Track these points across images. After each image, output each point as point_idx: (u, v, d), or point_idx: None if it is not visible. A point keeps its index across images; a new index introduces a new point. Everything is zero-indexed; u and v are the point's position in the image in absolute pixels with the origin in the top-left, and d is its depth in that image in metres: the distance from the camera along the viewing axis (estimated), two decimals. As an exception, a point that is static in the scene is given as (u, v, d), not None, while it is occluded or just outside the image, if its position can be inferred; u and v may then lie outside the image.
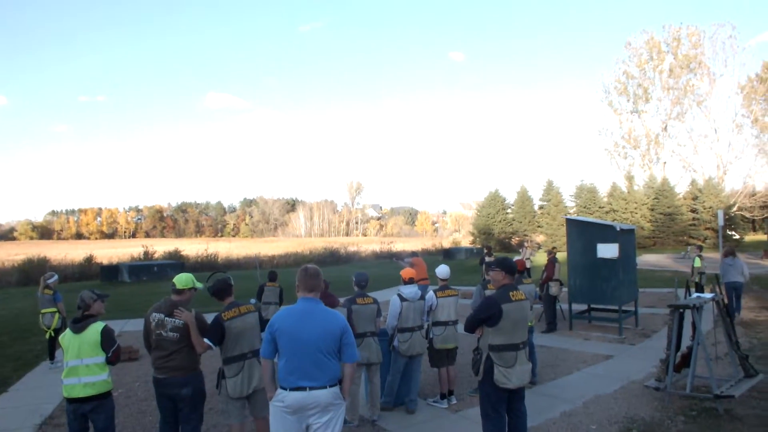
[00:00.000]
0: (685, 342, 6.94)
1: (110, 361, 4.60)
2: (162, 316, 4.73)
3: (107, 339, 4.59)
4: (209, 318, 4.95)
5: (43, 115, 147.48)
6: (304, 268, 3.88)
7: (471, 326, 4.71)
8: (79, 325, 4.60)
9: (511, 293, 4.60)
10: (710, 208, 42.21)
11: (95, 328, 4.60)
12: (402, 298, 6.53)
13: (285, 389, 3.62)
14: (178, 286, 4.84)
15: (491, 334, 4.56)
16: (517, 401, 4.75)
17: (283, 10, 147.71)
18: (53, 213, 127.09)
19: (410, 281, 6.69)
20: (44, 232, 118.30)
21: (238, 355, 4.87)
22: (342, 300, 6.58)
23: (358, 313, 6.23)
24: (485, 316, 4.56)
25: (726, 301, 7.67)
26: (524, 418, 4.83)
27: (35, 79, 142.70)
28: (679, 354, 6.79)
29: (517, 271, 4.88)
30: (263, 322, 4.88)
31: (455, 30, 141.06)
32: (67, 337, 4.62)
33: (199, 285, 5.02)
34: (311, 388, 3.59)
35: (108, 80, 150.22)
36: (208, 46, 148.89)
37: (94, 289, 5.05)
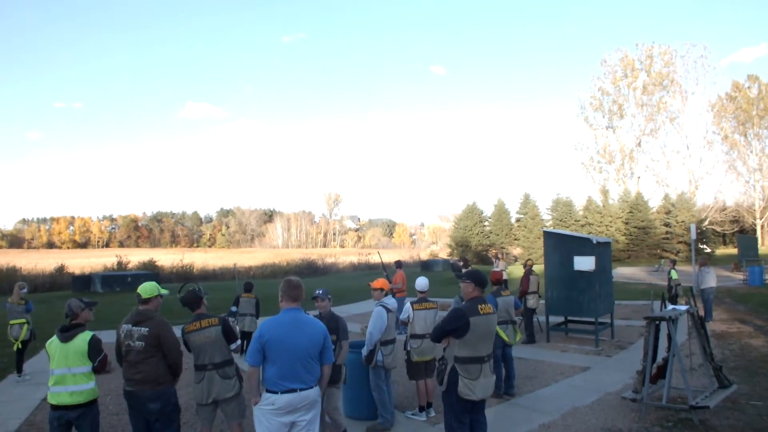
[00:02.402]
0: (661, 353, 7.02)
1: (96, 370, 4.60)
2: (130, 326, 4.68)
3: (94, 348, 4.58)
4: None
5: (17, 121, 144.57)
6: (287, 280, 4.20)
7: (437, 336, 4.74)
8: (67, 334, 4.56)
9: (480, 306, 4.58)
10: (683, 222, 42.98)
11: (83, 338, 4.57)
12: (387, 309, 6.44)
13: (275, 392, 3.91)
14: (144, 295, 4.80)
15: (457, 346, 4.55)
16: (477, 412, 4.76)
17: (268, 19, 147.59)
18: (24, 221, 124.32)
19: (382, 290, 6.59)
20: (14, 240, 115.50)
21: (200, 365, 5.03)
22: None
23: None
24: (452, 327, 4.55)
25: (702, 312, 7.81)
26: (485, 428, 4.84)
27: (10, 84, 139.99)
28: (655, 365, 6.86)
29: (486, 284, 4.85)
30: (238, 334, 4.86)
31: (437, 44, 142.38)
32: (53, 345, 4.57)
33: (164, 291, 5.01)
34: (301, 389, 3.94)
35: (86, 87, 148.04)
36: (189, 55, 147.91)
37: (82, 297, 4.99)
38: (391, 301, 6.56)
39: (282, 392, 3.90)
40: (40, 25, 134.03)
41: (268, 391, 3.94)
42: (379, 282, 6.65)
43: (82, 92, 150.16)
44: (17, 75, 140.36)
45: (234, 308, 11.15)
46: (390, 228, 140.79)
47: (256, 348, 3.95)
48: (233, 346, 5.19)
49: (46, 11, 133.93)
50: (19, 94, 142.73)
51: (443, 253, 57.75)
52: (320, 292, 5.82)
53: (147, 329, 4.61)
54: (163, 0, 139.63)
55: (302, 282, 4.25)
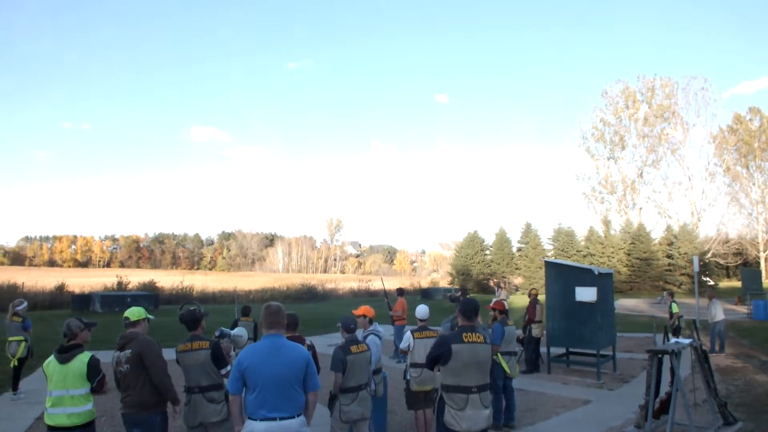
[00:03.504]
0: (664, 388, 6.92)
1: (95, 390, 4.58)
2: (118, 353, 4.70)
3: (93, 369, 4.55)
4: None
5: (26, 140, 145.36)
6: (266, 306, 4.09)
7: (428, 364, 4.76)
8: (66, 355, 4.53)
9: (464, 334, 4.53)
10: (685, 254, 42.84)
11: (82, 359, 4.55)
12: (380, 338, 6.35)
13: (254, 420, 3.78)
14: (132, 318, 4.85)
15: (442, 374, 4.55)
16: None
17: (275, 46, 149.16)
18: (26, 239, 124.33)
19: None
20: (16, 257, 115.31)
21: (188, 387, 5.04)
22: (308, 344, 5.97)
23: (353, 363, 5.44)
24: (436, 354, 4.57)
25: (707, 346, 7.74)
26: None
27: (21, 104, 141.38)
28: (657, 400, 6.76)
29: (475, 314, 4.80)
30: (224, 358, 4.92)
31: (441, 73, 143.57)
32: (51, 366, 4.54)
33: (150, 317, 5.08)
34: (281, 419, 3.79)
35: (95, 108, 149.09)
36: (197, 79, 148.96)
37: (82, 317, 4.97)
38: (381, 329, 6.44)
39: (260, 420, 3.78)
40: (50, 47, 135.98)
41: (249, 418, 3.84)
42: (362, 309, 6.54)
43: (91, 113, 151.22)
44: (27, 95, 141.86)
45: (222, 330, 11.05)
46: (391, 255, 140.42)
47: (236, 376, 3.87)
48: (223, 371, 5.13)
49: (56, 33, 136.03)
50: (28, 114, 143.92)
51: (444, 281, 57.49)
52: None
53: (130, 350, 4.62)
54: (173, 25, 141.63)
55: (282, 307, 4.13)
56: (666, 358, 6.83)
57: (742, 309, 24.87)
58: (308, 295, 42.90)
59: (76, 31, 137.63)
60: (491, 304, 8.43)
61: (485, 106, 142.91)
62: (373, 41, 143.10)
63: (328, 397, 5.53)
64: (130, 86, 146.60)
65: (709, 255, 45.88)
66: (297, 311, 5.77)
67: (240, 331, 6.00)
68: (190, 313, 5.25)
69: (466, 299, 4.96)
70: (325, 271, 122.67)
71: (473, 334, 4.57)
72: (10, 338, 9.55)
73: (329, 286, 50.56)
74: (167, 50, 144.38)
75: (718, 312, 14.33)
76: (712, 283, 42.76)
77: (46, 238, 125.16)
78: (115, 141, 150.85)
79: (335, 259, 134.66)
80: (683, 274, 43.38)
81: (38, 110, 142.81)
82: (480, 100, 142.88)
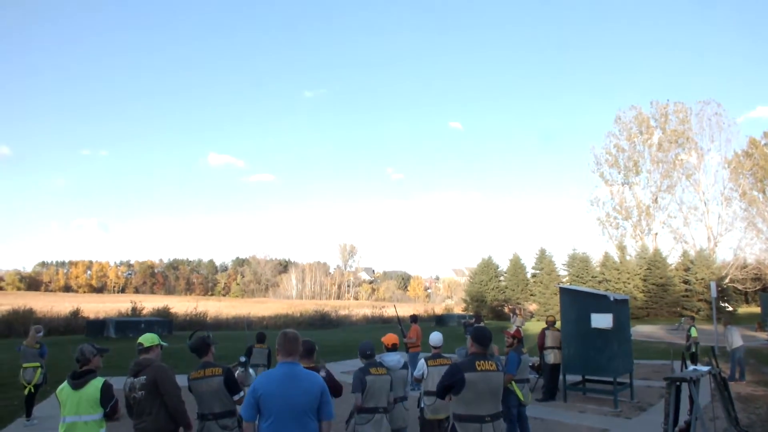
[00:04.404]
0: (683, 416, 6.78)
1: (108, 416, 4.58)
2: (132, 379, 4.72)
3: (107, 394, 4.56)
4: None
5: (44, 166, 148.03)
6: (283, 333, 4.06)
7: (439, 393, 4.69)
8: (79, 381, 4.55)
9: (477, 363, 4.50)
10: (702, 279, 42.28)
11: (95, 385, 4.56)
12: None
13: None
14: (146, 344, 4.91)
15: (455, 403, 4.49)
16: None
17: (291, 75, 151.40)
18: (43, 264, 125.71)
19: (393, 348, 6.48)
20: (32, 283, 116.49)
21: (201, 414, 5.03)
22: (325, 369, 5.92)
23: (372, 384, 5.59)
24: (449, 383, 4.51)
25: (727, 373, 7.60)
26: None
27: (41, 130, 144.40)
28: (677, 429, 6.63)
29: (488, 342, 4.76)
30: (250, 383, 4.86)
31: (455, 100, 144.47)
32: (64, 392, 4.56)
33: (164, 343, 5.13)
34: None
35: (112, 135, 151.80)
36: (213, 106, 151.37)
37: (94, 343, 5.03)
38: (388, 358, 6.27)
39: None
40: (68, 74, 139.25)
41: None
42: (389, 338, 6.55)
43: (109, 140, 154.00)
44: (47, 123, 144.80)
45: (243, 358, 11.07)
46: (405, 281, 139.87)
47: (251, 403, 3.83)
48: (236, 397, 5.15)
49: (73, 59, 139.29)
50: (48, 140, 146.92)
51: (458, 308, 57.11)
52: None
53: (145, 377, 4.66)
54: (191, 54, 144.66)
55: (299, 335, 4.11)
56: (684, 386, 6.71)
57: (762, 335, 24.43)
58: (322, 321, 42.79)
59: (94, 58, 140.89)
60: (509, 331, 8.39)
61: (498, 133, 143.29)
62: (386, 70, 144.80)
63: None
64: (147, 113, 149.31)
65: (726, 280, 45.19)
66: (310, 338, 5.76)
67: (251, 371, 6.04)
68: (199, 339, 5.29)
69: (477, 327, 4.93)
70: (338, 298, 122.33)
71: (485, 362, 4.54)
72: (25, 364, 9.60)
73: (343, 312, 50.44)
74: (184, 79, 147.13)
75: (736, 338, 14.07)
76: (730, 309, 42.07)
77: (62, 264, 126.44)
78: (132, 168, 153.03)
79: (349, 285, 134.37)
80: (701, 300, 42.77)
81: (58, 137, 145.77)
82: (493, 127, 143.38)
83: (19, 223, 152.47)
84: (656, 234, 55.12)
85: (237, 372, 5.58)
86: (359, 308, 59.67)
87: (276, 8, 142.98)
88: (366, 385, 5.53)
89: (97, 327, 28.72)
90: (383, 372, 5.73)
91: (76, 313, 33.19)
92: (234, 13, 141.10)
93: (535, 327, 28.81)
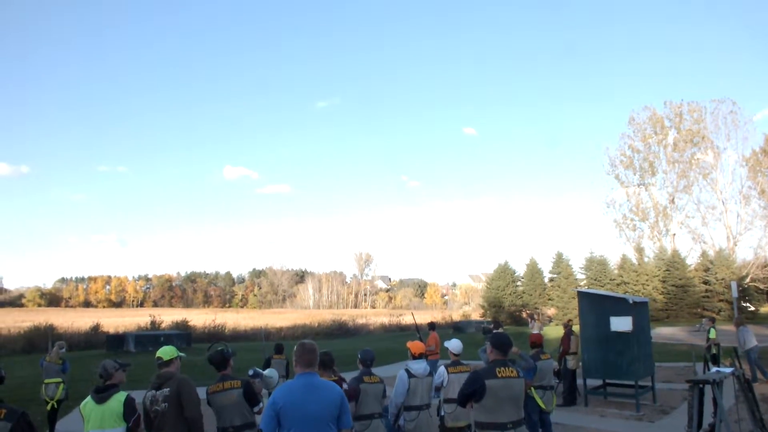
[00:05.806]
0: (707, 419, 6.68)
1: (130, 430, 4.62)
2: (153, 392, 4.76)
3: (129, 408, 4.62)
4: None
5: (62, 183, 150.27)
6: (301, 344, 4.10)
7: (460, 401, 4.67)
8: (102, 395, 4.62)
9: (498, 369, 4.48)
10: (723, 279, 41.66)
11: (118, 399, 4.63)
12: (410, 374, 6.13)
13: None
14: (165, 357, 4.94)
15: (476, 410, 4.47)
16: None
17: (304, 85, 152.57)
18: (63, 280, 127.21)
19: (420, 356, 6.38)
20: (53, 299, 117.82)
21: (221, 427, 5.07)
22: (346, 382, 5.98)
23: (365, 392, 5.74)
24: (470, 391, 4.49)
25: (749, 374, 7.48)
26: None
27: (59, 147, 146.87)
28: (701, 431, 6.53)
29: (508, 348, 4.70)
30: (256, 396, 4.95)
31: (468, 105, 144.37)
32: (88, 406, 4.63)
33: (182, 354, 5.16)
34: None
35: (129, 151, 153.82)
36: (227, 119, 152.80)
37: (116, 358, 5.11)
38: (415, 365, 6.23)
39: None
40: (85, 91, 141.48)
41: None
42: (416, 346, 6.44)
43: (126, 156, 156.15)
44: (65, 141, 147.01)
45: (255, 370, 11.09)
46: (421, 288, 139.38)
47: (270, 415, 3.84)
48: (256, 409, 5.18)
49: (90, 75, 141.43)
50: (66, 156, 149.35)
51: (476, 314, 56.78)
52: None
53: (168, 389, 4.70)
54: (205, 69, 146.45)
55: (317, 345, 4.14)
56: (708, 388, 6.62)
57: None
58: (339, 330, 42.75)
59: (110, 76, 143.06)
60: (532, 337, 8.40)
61: (512, 137, 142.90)
62: (399, 78, 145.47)
63: None
64: (162, 129, 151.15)
65: (747, 280, 44.47)
66: (328, 348, 5.78)
67: (271, 373, 6.02)
68: (218, 353, 5.33)
69: (496, 333, 4.91)
70: (355, 306, 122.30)
71: (506, 368, 4.52)
72: (48, 380, 9.69)
73: (360, 321, 50.36)
74: (198, 93, 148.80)
75: (750, 339, 13.86)
76: (752, 308, 41.41)
77: (82, 279, 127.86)
78: (149, 182, 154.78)
79: (365, 294, 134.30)
80: (721, 300, 42.11)
81: (75, 154, 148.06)
82: (507, 131, 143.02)
83: (39, 240, 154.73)
84: (674, 235, 54.43)
85: (256, 383, 5.58)
86: (376, 317, 59.53)
87: (288, 21, 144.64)
88: (359, 393, 5.64)
89: (116, 341, 28.96)
90: (376, 380, 5.86)
91: (96, 328, 33.50)
92: (247, 27, 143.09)
93: (554, 331, 28.55)
